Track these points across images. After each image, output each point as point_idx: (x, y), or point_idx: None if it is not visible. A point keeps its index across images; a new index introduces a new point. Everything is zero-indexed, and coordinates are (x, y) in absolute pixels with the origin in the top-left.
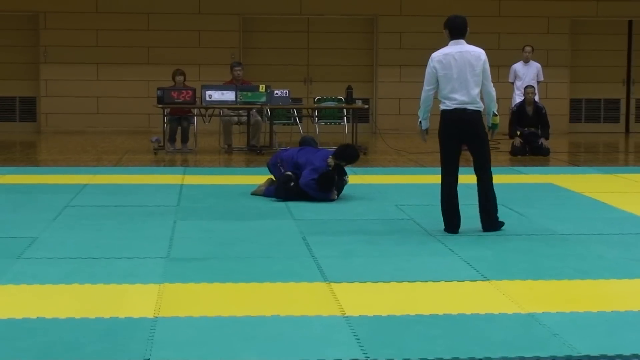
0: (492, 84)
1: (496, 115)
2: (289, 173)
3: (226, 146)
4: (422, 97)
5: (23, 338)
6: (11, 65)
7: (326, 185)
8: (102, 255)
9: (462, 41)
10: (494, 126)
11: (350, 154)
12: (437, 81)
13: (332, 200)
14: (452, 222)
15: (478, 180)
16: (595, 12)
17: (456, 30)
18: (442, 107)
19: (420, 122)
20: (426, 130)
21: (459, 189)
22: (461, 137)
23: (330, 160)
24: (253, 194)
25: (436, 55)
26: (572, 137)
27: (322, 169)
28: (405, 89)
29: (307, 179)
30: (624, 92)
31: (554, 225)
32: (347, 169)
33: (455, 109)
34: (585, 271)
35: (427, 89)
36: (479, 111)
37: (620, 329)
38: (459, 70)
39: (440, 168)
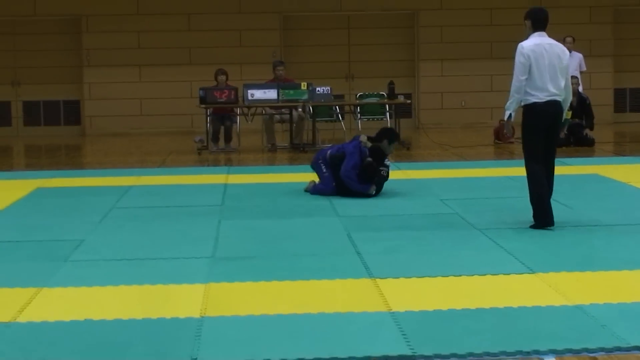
0: (570, 79)
1: (569, 110)
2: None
3: (270, 145)
4: (514, 87)
5: (71, 340)
6: (55, 69)
7: (368, 176)
8: (148, 256)
9: (545, 34)
10: (566, 121)
11: (387, 132)
12: (529, 72)
13: (371, 195)
14: (547, 214)
15: (545, 172)
16: (638, 0)
17: (540, 22)
18: (533, 100)
19: (510, 114)
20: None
21: (509, 181)
22: (547, 128)
23: (364, 139)
24: (306, 190)
25: (527, 45)
26: (616, 127)
27: (356, 154)
28: (448, 83)
29: (348, 170)
30: None
31: (600, 216)
32: (391, 165)
33: (548, 101)
34: (633, 261)
35: (521, 78)
36: (561, 101)
37: None
38: (550, 61)
39: (525, 161)
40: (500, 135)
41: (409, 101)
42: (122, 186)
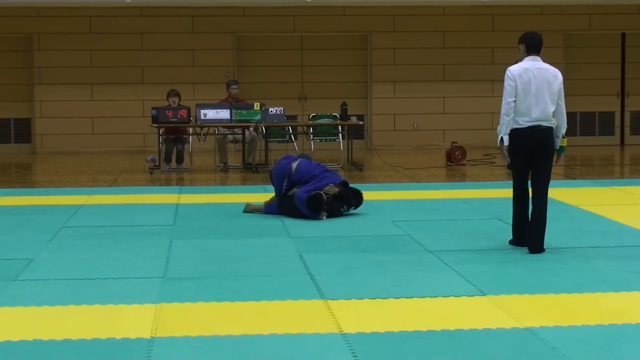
0: (564, 105)
1: (565, 137)
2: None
3: (222, 164)
4: (503, 110)
5: None
6: (5, 87)
7: (313, 207)
8: (99, 275)
9: (539, 58)
10: (561, 149)
11: (354, 194)
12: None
13: (318, 219)
14: (522, 236)
15: (535, 197)
16: (588, 25)
17: (534, 46)
18: (515, 125)
19: (502, 138)
20: (507, 146)
21: (461, 203)
22: (531, 155)
23: (333, 188)
24: (246, 211)
25: (515, 69)
26: (567, 150)
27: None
28: (400, 105)
29: (302, 194)
30: (619, 104)
31: (551, 238)
32: None
33: (528, 127)
34: (583, 284)
35: (509, 100)
36: (552, 128)
37: (618, 342)
38: (537, 86)
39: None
40: (452, 157)
41: (361, 122)
42: (72, 205)
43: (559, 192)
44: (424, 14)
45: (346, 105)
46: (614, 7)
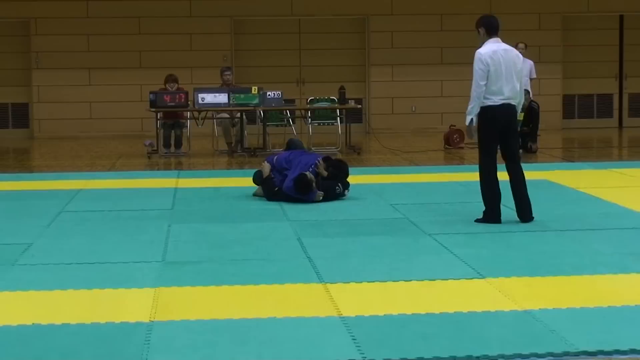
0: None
1: (522, 112)
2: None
3: (230, 144)
4: (475, 93)
5: (19, 345)
6: (3, 71)
7: (302, 188)
8: (97, 260)
9: (499, 39)
10: (518, 122)
11: (338, 161)
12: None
13: (315, 201)
14: (498, 211)
15: (513, 172)
16: (586, 7)
17: (494, 29)
18: (489, 103)
19: (472, 119)
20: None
21: (459, 186)
22: (503, 130)
23: (320, 165)
24: (255, 195)
25: (485, 51)
26: (565, 133)
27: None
28: (398, 88)
29: (288, 182)
30: (617, 86)
31: (550, 221)
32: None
33: (502, 104)
34: (582, 267)
35: (481, 84)
36: (516, 105)
37: (617, 324)
38: (507, 66)
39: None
40: (451, 140)
41: (359, 106)
42: (71, 190)
43: (557, 175)
44: None
45: (344, 89)
46: None
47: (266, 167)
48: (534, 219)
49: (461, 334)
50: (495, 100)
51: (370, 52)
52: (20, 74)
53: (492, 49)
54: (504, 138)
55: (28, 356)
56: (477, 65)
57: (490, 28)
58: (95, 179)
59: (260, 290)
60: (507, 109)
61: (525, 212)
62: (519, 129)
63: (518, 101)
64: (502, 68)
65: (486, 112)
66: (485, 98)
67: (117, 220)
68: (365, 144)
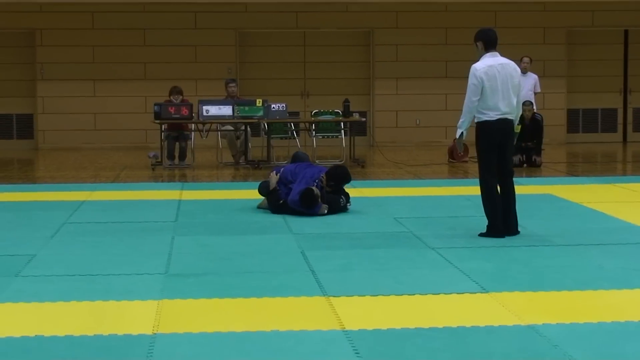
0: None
1: (519, 124)
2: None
3: (237, 155)
4: (467, 108)
5: (22, 356)
6: (8, 82)
7: (307, 202)
8: (101, 272)
9: (497, 53)
10: (515, 134)
11: (339, 174)
12: (482, 92)
13: (321, 215)
14: (500, 226)
15: (505, 186)
16: (591, 22)
17: (491, 42)
18: (485, 118)
19: (462, 132)
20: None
21: (463, 200)
22: (499, 144)
23: (324, 179)
24: (259, 207)
25: (480, 67)
26: (569, 147)
27: (309, 185)
28: (402, 102)
29: (293, 196)
30: (621, 101)
31: (553, 236)
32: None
33: (498, 119)
34: (585, 282)
35: (473, 99)
36: (513, 120)
37: (621, 339)
38: (503, 81)
39: (479, 179)
40: (455, 154)
41: (364, 119)
42: (74, 201)
43: (561, 189)
44: (427, 10)
45: (349, 102)
46: (617, 3)
47: (274, 178)
48: (537, 233)
49: (464, 348)
50: (492, 115)
51: (375, 65)
52: (25, 85)
53: (488, 63)
54: (501, 152)
55: None
56: (470, 80)
57: (487, 42)
58: (99, 190)
59: (263, 303)
60: (503, 124)
61: (510, 226)
62: (515, 142)
63: (515, 115)
64: (497, 83)
65: (483, 127)
66: (481, 113)
67: (121, 232)
68: (369, 156)
